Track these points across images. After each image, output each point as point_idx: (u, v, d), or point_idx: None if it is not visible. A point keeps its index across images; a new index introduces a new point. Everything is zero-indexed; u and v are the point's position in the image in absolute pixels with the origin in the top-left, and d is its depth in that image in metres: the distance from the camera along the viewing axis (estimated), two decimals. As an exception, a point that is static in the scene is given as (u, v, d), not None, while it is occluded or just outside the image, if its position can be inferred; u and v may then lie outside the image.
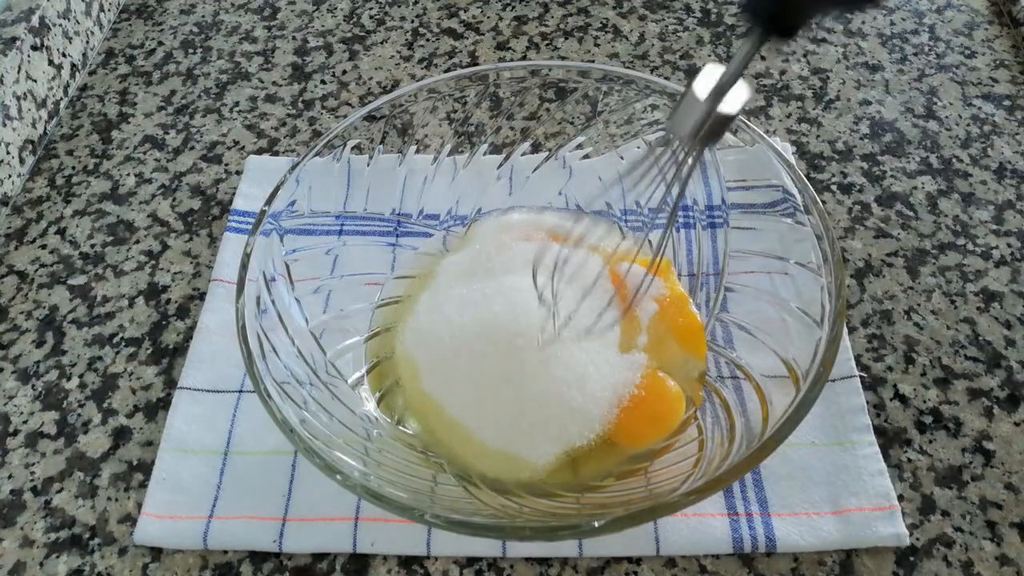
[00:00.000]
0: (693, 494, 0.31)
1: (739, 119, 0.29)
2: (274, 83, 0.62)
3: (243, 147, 0.57)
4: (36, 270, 0.51)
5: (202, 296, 0.49)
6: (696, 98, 0.27)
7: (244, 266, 0.38)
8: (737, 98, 0.27)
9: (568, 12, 0.67)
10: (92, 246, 0.52)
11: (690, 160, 0.29)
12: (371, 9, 0.68)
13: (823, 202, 0.51)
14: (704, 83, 0.27)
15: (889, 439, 0.41)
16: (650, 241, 0.45)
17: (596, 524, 0.30)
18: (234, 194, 0.53)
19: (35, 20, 0.58)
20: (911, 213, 0.51)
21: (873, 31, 0.63)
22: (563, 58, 0.63)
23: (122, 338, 0.47)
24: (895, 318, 0.46)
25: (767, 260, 0.43)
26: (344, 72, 0.63)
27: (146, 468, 0.41)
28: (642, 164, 0.30)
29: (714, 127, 0.27)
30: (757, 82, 0.60)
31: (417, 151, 0.49)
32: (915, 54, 0.61)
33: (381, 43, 0.65)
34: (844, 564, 0.37)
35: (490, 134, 0.50)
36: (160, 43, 0.66)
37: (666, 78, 0.60)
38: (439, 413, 0.39)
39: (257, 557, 0.39)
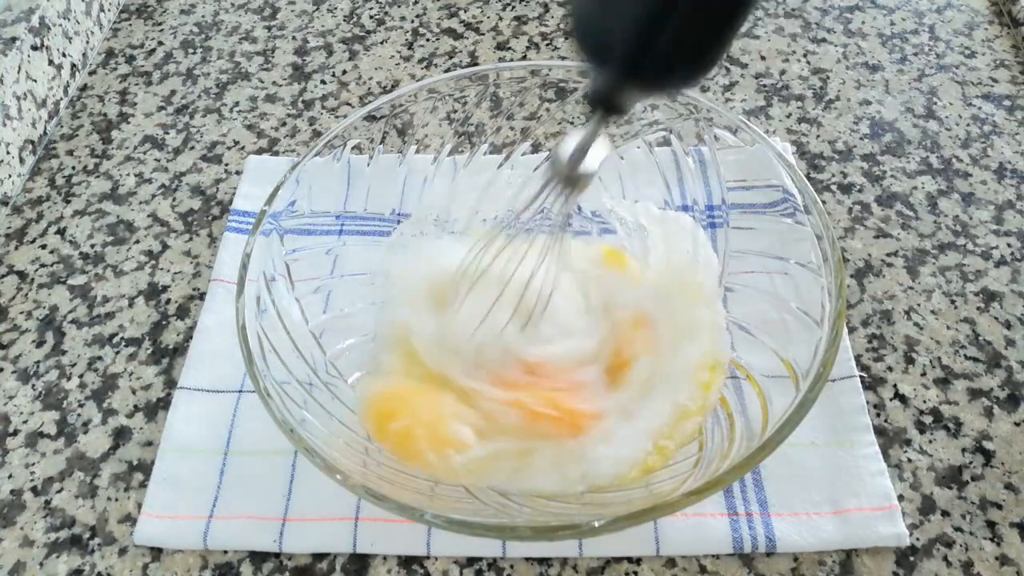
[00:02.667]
0: (693, 494, 0.31)
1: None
2: (274, 83, 0.62)
3: (243, 147, 0.57)
4: (36, 270, 0.51)
5: (202, 296, 0.49)
6: (559, 159, 0.33)
7: (244, 266, 0.38)
8: (596, 156, 0.33)
9: (568, 12, 0.67)
10: (92, 246, 0.52)
11: (565, 203, 0.35)
12: (371, 9, 0.68)
13: (823, 202, 0.51)
14: (566, 146, 0.33)
15: (889, 439, 0.41)
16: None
17: (596, 524, 0.30)
18: (234, 194, 0.53)
19: (35, 20, 0.58)
20: (911, 213, 0.51)
21: (873, 31, 0.63)
22: (563, 58, 0.63)
23: (122, 338, 0.47)
24: (895, 318, 0.46)
25: (767, 260, 0.43)
26: (344, 72, 0.63)
27: (146, 468, 0.41)
28: (534, 200, 0.35)
29: (578, 181, 0.33)
30: (757, 82, 0.60)
31: (417, 151, 0.49)
32: (915, 54, 0.61)
33: (381, 43, 0.65)
34: (844, 564, 0.37)
35: (490, 134, 0.50)
36: (160, 43, 0.66)
37: (666, 78, 0.60)
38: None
39: (257, 557, 0.39)
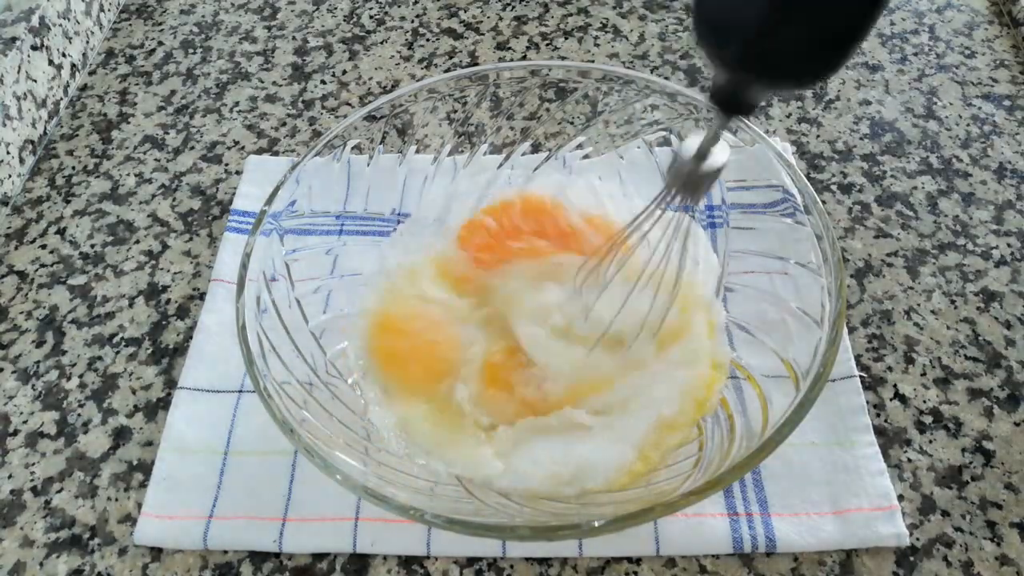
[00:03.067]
0: (693, 494, 0.31)
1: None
2: (274, 83, 0.62)
3: (243, 147, 0.57)
4: (36, 270, 0.51)
5: (202, 296, 0.49)
6: (683, 158, 0.33)
7: (244, 266, 0.38)
8: (720, 156, 0.32)
9: (568, 12, 0.67)
10: (92, 246, 0.52)
11: (691, 203, 0.35)
12: (371, 9, 0.68)
13: (823, 202, 0.51)
14: (689, 144, 0.33)
15: (889, 439, 0.41)
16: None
17: (596, 524, 0.30)
18: (234, 194, 0.53)
19: (35, 20, 0.58)
20: (911, 213, 0.51)
21: (873, 31, 0.63)
22: (563, 58, 0.63)
23: (122, 338, 0.47)
24: (895, 318, 0.46)
25: (767, 260, 0.43)
26: (344, 72, 0.63)
27: (146, 468, 0.41)
28: (658, 201, 0.35)
29: (701, 180, 0.33)
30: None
31: (417, 151, 0.49)
32: (915, 54, 0.61)
33: (381, 43, 0.65)
34: (844, 564, 0.37)
35: (490, 134, 0.50)
36: (160, 43, 0.66)
37: (666, 78, 0.60)
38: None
39: (257, 557, 0.39)
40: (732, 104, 0.29)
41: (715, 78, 0.28)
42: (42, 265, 0.51)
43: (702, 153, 0.32)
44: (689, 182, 0.33)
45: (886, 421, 0.42)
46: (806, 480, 0.39)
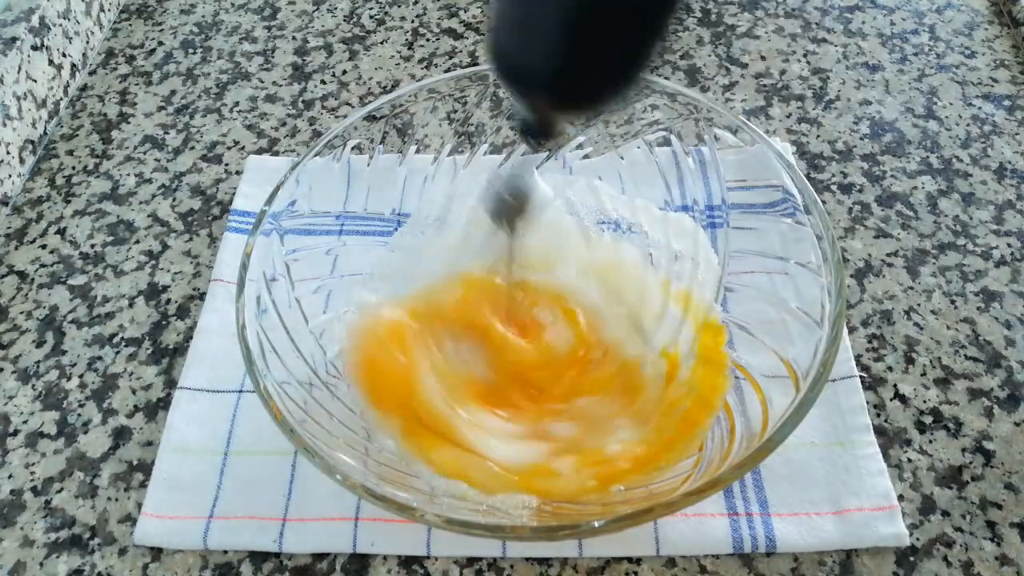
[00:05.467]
0: (693, 494, 0.31)
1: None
2: (274, 83, 0.62)
3: (243, 147, 0.57)
4: (36, 270, 0.51)
5: (202, 296, 0.49)
6: (499, 193, 0.34)
7: (244, 266, 0.38)
8: (537, 186, 0.34)
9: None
10: (92, 246, 0.52)
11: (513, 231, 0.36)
12: (371, 9, 0.68)
13: (823, 202, 0.51)
14: (503, 179, 0.34)
15: (889, 439, 0.41)
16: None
17: (596, 524, 0.30)
18: (234, 194, 0.53)
19: (35, 20, 0.58)
20: (911, 213, 0.51)
21: (873, 31, 0.63)
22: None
23: (122, 338, 0.47)
24: (895, 318, 0.46)
25: (767, 260, 0.43)
26: (344, 72, 0.63)
27: (146, 468, 0.41)
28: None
29: (521, 210, 0.34)
30: (757, 82, 0.60)
31: (417, 151, 0.49)
32: (915, 54, 0.61)
33: (381, 43, 0.65)
34: (844, 564, 0.37)
35: (490, 134, 0.50)
36: (160, 43, 0.66)
37: (666, 78, 0.60)
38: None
39: (257, 557, 0.39)
40: (539, 132, 0.30)
41: (520, 113, 0.30)
42: (42, 265, 0.51)
43: (518, 187, 0.33)
44: (510, 213, 0.34)
45: (886, 421, 0.42)
46: (806, 480, 0.39)
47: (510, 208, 0.34)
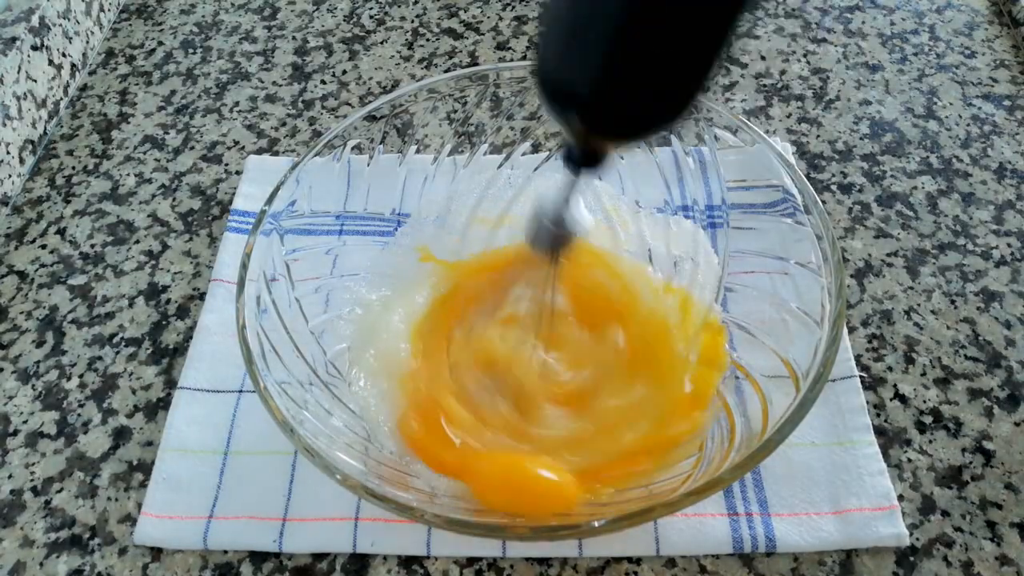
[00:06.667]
0: (693, 494, 0.31)
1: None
2: (274, 83, 0.62)
3: (243, 147, 0.57)
4: (36, 270, 0.51)
5: (202, 296, 0.49)
6: (542, 220, 0.33)
7: (244, 266, 0.38)
8: (581, 212, 0.33)
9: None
10: (92, 246, 0.52)
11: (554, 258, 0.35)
12: (371, 9, 0.68)
13: (823, 202, 0.51)
14: (547, 206, 0.33)
15: (889, 439, 0.41)
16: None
17: (596, 524, 0.30)
18: (234, 194, 0.53)
19: (35, 20, 0.58)
20: (911, 213, 0.51)
21: (873, 31, 0.63)
22: (563, 58, 0.63)
23: (122, 338, 0.47)
24: (895, 318, 0.46)
25: (767, 260, 0.43)
26: (344, 72, 0.63)
27: (146, 468, 0.41)
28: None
29: (565, 239, 0.33)
30: (757, 82, 0.60)
31: (417, 151, 0.49)
32: (915, 54, 0.61)
33: (381, 43, 0.65)
34: (844, 564, 0.37)
35: (490, 134, 0.50)
36: (160, 43, 0.66)
37: (666, 78, 0.60)
38: None
39: (257, 557, 0.39)
40: (582, 160, 0.29)
41: (566, 139, 0.28)
42: (42, 265, 0.51)
43: (561, 210, 0.32)
44: (555, 243, 0.33)
45: (886, 421, 0.42)
46: (806, 480, 0.39)
47: (555, 237, 0.33)
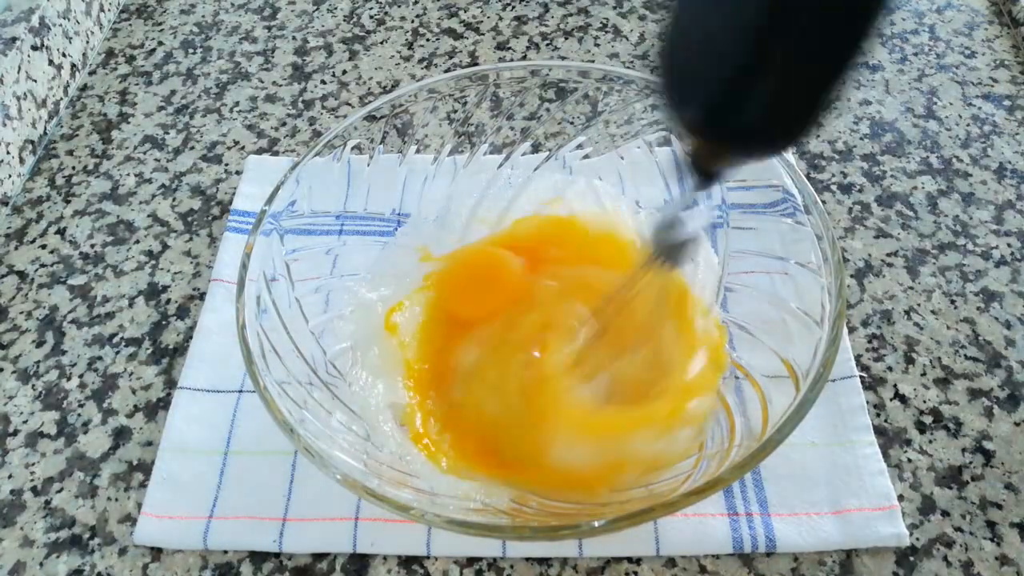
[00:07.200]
0: (693, 494, 0.31)
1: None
2: (274, 83, 0.62)
3: (243, 147, 0.57)
4: (36, 270, 0.51)
5: (202, 296, 0.49)
6: (660, 233, 0.33)
7: (244, 266, 0.38)
8: (699, 220, 0.32)
9: (568, 12, 0.67)
10: (92, 246, 0.52)
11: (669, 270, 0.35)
12: (371, 9, 0.68)
13: (823, 202, 0.51)
14: (662, 218, 0.32)
15: (889, 439, 0.41)
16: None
17: (596, 524, 0.30)
18: (234, 194, 0.53)
19: (35, 20, 0.58)
20: (911, 213, 0.51)
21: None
22: (563, 58, 0.63)
23: (122, 338, 0.47)
24: (895, 318, 0.46)
25: (767, 260, 0.43)
26: (344, 72, 0.63)
27: (146, 468, 0.41)
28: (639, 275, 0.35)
29: (682, 247, 0.33)
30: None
31: (417, 151, 0.49)
32: (915, 54, 0.61)
33: (381, 43, 0.65)
34: (844, 564, 0.37)
35: (490, 134, 0.50)
36: (160, 43, 0.66)
37: (666, 78, 0.60)
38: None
39: (257, 557, 0.39)
40: (701, 171, 0.28)
41: (686, 145, 0.27)
42: (42, 265, 0.51)
43: (678, 221, 0.32)
44: (672, 249, 0.33)
45: (886, 421, 0.42)
46: (806, 480, 0.39)
47: (673, 248, 0.33)
